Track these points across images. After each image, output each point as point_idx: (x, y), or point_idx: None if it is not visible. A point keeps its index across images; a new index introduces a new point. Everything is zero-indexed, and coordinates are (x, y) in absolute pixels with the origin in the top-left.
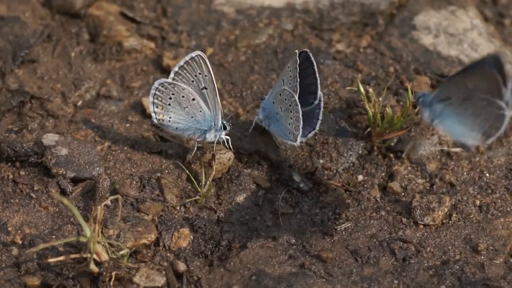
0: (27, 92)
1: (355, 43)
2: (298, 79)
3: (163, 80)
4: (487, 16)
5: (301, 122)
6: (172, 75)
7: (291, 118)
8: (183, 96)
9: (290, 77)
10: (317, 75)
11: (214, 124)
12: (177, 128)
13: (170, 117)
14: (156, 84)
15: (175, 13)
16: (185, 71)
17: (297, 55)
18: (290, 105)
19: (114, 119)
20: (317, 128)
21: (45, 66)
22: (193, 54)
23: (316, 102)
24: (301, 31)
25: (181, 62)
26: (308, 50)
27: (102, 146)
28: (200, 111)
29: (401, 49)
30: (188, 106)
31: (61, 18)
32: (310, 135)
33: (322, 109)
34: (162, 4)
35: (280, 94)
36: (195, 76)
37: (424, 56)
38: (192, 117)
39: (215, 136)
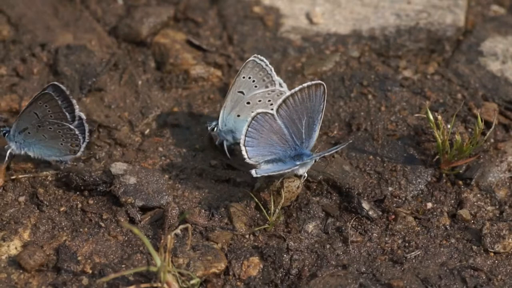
0: (94, 121)
1: (422, 70)
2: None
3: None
4: None
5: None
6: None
7: None
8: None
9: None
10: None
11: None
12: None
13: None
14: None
15: (241, 41)
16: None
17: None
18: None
19: (182, 148)
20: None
21: (112, 95)
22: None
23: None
24: (367, 58)
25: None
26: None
27: (170, 174)
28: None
29: (468, 76)
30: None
31: (127, 46)
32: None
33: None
34: (228, 31)
35: (248, 102)
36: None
37: (492, 82)
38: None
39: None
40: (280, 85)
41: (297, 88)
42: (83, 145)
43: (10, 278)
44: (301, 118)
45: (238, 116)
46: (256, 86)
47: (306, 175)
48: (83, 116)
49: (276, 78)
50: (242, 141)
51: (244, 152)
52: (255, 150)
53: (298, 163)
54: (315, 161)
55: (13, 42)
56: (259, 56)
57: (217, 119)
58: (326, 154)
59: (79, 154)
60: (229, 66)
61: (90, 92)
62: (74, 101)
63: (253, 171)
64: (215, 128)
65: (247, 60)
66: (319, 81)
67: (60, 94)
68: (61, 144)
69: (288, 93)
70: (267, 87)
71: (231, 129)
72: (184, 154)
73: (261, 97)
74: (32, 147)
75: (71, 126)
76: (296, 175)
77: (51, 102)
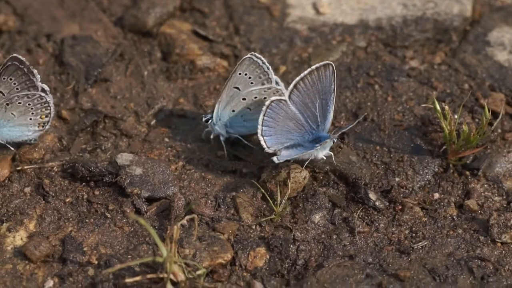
0: (100, 112)
1: (429, 60)
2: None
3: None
4: None
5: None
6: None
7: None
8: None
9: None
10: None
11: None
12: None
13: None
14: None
15: (247, 31)
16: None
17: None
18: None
19: (188, 138)
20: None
21: (118, 85)
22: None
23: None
24: (374, 48)
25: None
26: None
27: (176, 165)
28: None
29: (475, 66)
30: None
31: (133, 37)
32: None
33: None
34: (234, 22)
35: (244, 98)
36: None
37: (499, 72)
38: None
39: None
40: (277, 83)
41: (306, 71)
42: (52, 116)
43: (15, 269)
44: (314, 101)
45: (233, 111)
46: (252, 83)
47: (326, 156)
48: (46, 87)
49: (273, 76)
50: (259, 131)
51: (262, 142)
52: (273, 138)
53: (317, 145)
54: (333, 141)
55: (18, 32)
56: (255, 53)
57: (212, 112)
58: (343, 131)
59: (47, 127)
60: (235, 56)
61: (96, 82)
62: (35, 71)
63: (274, 158)
64: (209, 121)
65: (244, 57)
66: (327, 62)
67: (22, 65)
68: (30, 119)
69: (297, 77)
70: (263, 84)
71: (225, 123)
72: (190, 144)
73: (257, 94)
74: (1, 130)
75: (42, 94)
76: (316, 159)
77: (16, 73)
